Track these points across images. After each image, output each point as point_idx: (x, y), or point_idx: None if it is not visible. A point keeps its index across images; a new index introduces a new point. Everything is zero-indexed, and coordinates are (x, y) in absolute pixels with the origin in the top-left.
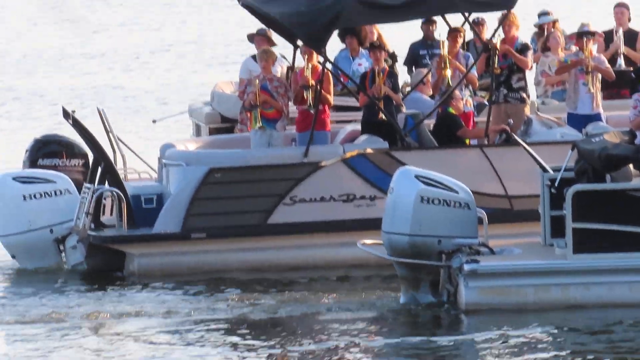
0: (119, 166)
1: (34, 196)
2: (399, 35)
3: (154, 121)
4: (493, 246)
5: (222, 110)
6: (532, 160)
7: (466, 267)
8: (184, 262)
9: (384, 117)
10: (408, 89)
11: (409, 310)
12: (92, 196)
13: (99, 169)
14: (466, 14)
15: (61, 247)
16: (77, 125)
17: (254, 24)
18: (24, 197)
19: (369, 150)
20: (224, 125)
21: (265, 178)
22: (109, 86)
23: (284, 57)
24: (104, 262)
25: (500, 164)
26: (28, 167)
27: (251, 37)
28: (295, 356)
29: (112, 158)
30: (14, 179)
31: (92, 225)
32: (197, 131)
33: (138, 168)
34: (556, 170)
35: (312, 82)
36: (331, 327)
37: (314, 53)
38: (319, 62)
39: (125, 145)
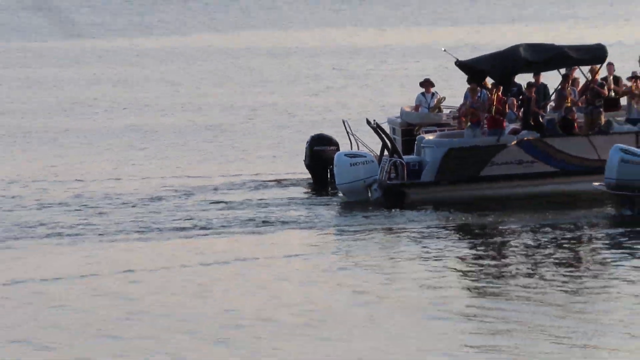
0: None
1: (356, 164)
2: None
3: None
4: None
5: (408, 120)
6: None
7: None
8: (437, 197)
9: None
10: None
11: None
12: (390, 162)
13: (385, 151)
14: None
15: (369, 190)
16: (379, 129)
17: None
18: (351, 164)
19: (530, 138)
20: (408, 128)
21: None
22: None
23: (438, 93)
24: (392, 199)
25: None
26: (309, 152)
27: (422, 83)
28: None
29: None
30: (345, 155)
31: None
32: (393, 132)
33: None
34: None
35: (495, 105)
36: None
37: (500, 88)
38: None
39: (362, 142)
